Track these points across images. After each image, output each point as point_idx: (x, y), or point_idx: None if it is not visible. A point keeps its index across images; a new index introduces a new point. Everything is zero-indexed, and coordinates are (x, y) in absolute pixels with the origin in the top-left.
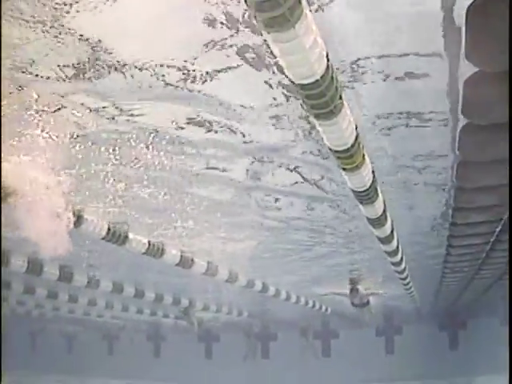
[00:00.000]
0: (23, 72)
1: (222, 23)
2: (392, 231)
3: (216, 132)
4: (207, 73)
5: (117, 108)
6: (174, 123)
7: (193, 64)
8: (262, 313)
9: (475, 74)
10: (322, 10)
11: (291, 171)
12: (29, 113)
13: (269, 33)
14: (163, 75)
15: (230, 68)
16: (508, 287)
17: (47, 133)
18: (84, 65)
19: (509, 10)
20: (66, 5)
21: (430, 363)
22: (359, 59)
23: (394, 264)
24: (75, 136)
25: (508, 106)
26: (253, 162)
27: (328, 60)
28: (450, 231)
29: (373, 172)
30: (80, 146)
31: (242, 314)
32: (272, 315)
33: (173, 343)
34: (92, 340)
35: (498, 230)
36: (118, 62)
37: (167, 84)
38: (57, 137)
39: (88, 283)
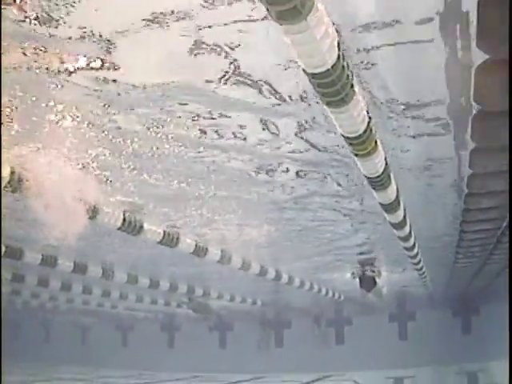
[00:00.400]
0: None
1: None
2: (405, 217)
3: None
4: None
5: None
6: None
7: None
8: (276, 301)
9: (486, 61)
10: None
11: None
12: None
13: (281, 24)
14: None
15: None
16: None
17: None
18: None
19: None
20: None
21: (443, 349)
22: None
23: (406, 249)
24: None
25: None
26: None
27: (339, 49)
28: (462, 216)
29: (385, 158)
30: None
31: (256, 303)
32: (285, 303)
33: (187, 333)
34: (106, 331)
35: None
36: None
37: None
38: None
39: (103, 274)
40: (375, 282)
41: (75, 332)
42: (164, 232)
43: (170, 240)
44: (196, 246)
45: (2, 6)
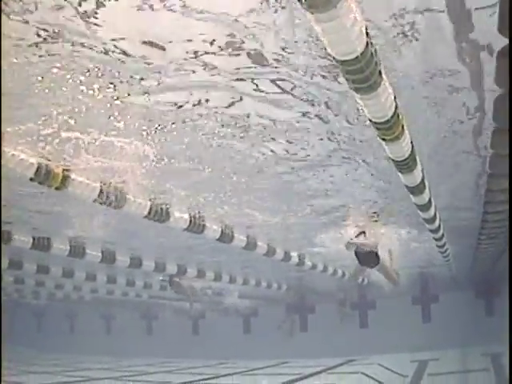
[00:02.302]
0: None
1: None
2: (430, 199)
3: None
4: None
5: None
6: None
7: None
8: (300, 286)
9: (507, 46)
10: None
11: None
12: None
13: (312, 13)
14: None
15: None
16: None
17: None
18: None
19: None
20: None
21: (466, 331)
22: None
23: (431, 231)
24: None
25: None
26: None
27: (367, 36)
28: (485, 197)
29: (411, 142)
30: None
31: (281, 288)
32: (309, 288)
33: (211, 320)
34: (131, 320)
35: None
36: None
37: None
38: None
39: (130, 263)
40: (378, 257)
41: (100, 322)
42: (190, 219)
43: (196, 227)
44: (222, 232)
45: None
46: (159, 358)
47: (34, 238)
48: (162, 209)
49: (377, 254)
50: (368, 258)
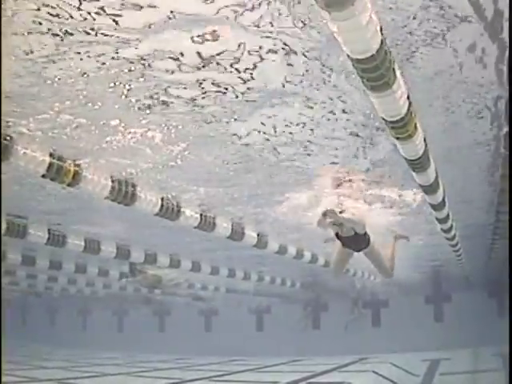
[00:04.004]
0: None
1: None
2: (443, 198)
3: None
4: None
5: None
6: None
7: None
8: (313, 284)
9: None
10: None
11: None
12: None
13: (327, 12)
14: None
15: None
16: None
17: None
18: None
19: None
20: None
21: (479, 330)
22: None
23: (444, 231)
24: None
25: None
26: None
27: (382, 35)
28: (498, 197)
29: (425, 141)
30: None
31: (295, 285)
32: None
33: (224, 317)
34: (143, 317)
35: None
36: None
37: None
38: None
39: (145, 259)
40: (368, 238)
41: (112, 318)
42: (201, 217)
43: (206, 224)
44: (232, 230)
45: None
46: (172, 354)
47: (49, 233)
48: (172, 206)
49: (366, 235)
50: (355, 240)
